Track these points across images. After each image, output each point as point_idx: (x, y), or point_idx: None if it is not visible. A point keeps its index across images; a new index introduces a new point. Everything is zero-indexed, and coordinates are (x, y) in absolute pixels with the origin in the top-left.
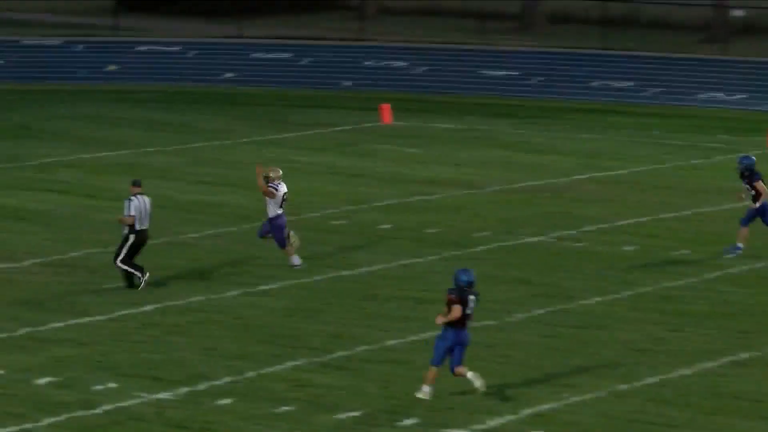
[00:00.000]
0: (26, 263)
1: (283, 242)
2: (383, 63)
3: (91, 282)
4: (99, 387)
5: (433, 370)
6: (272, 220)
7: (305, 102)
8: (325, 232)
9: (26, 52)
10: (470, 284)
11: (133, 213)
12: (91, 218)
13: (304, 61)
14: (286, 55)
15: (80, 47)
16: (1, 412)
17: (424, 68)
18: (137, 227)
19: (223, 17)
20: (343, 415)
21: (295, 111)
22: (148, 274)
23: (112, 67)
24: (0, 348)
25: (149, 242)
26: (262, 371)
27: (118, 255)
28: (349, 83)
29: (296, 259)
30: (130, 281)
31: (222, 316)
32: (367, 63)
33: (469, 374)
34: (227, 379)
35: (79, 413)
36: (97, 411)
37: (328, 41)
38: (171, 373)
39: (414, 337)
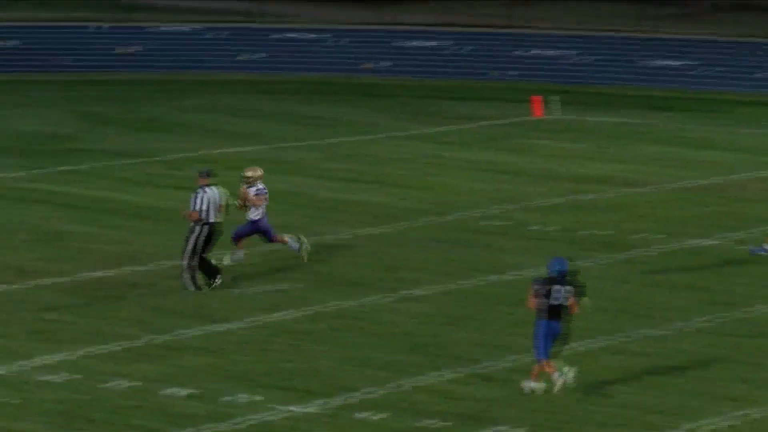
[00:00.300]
0: (152, 265)
1: (239, 238)
2: (535, 52)
3: (222, 286)
4: (230, 398)
5: (542, 363)
6: (255, 223)
7: (452, 94)
8: (472, 233)
9: (155, 39)
10: (562, 274)
11: (198, 207)
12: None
13: (451, 50)
14: (431, 44)
15: (212, 34)
16: (126, 424)
17: (579, 57)
18: (206, 220)
19: (364, 3)
20: (492, 430)
21: (441, 103)
22: (218, 280)
23: (246, 56)
24: (125, 356)
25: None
26: (406, 382)
27: (185, 251)
28: (499, 73)
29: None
30: (211, 275)
31: (362, 322)
32: (517, 52)
33: (555, 375)
34: (368, 390)
35: (210, 426)
36: (229, 424)
37: (476, 29)
38: (308, 384)
39: (565, 347)
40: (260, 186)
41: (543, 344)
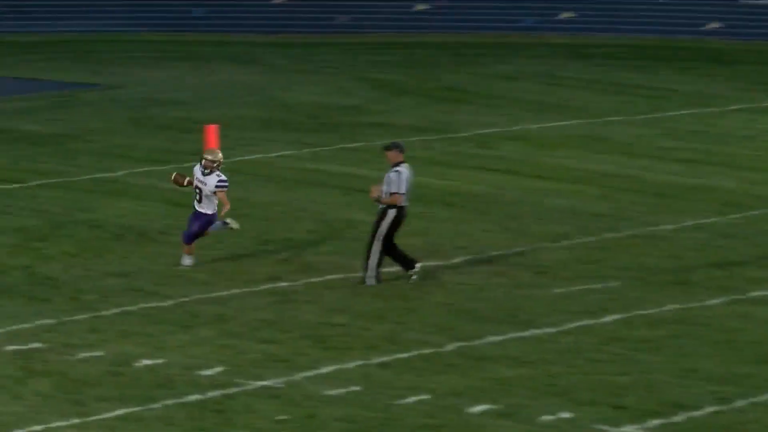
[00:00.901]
0: (457, 260)
1: (194, 238)
2: None
3: (539, 285)
4: (549, 417)
5: None
6: (211, 216)
7: None
8: None
9: None
10: None
11: (404, 190)
12: (540, 204)
13: None
14: None
15: None
16: None
17: None
18: (402, 203)
19: None
20: None
21: None
22: (418, 266)
23: (566, 14)
24: (425, 366)
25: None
26: (755, 399)
27: (376, 235)
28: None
29: (189, 260)
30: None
31: (704, 329)
32: None
33: None
34: (711, 408)
35: None
36: None
37: None
38: (640, 401)
39: None
40: (223, 177)
41: None
